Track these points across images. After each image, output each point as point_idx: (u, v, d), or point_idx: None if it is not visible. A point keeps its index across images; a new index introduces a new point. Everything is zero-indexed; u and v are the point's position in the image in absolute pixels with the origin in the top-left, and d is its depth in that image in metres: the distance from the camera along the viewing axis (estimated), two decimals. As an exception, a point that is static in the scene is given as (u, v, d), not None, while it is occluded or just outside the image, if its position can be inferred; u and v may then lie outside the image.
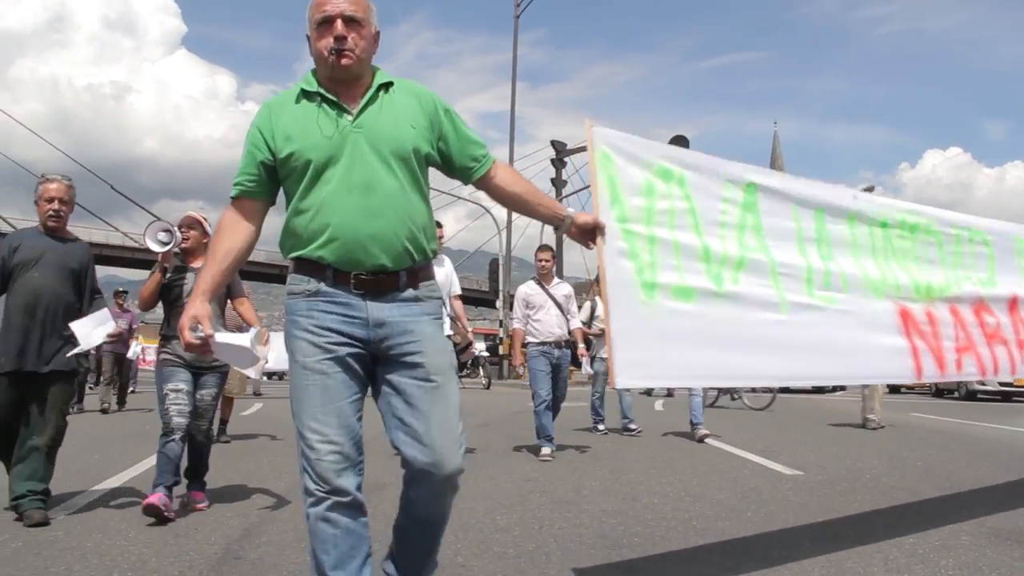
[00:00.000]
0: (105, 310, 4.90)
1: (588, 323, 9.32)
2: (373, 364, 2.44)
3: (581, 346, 8.34)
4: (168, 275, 4.91)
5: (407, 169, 2.43)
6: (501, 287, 32.55)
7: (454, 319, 6.86)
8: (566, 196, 32.48)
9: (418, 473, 2.39)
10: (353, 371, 2.39)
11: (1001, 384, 17.63)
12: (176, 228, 4.87)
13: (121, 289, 14.71)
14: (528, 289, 8.07)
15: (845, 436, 9.64)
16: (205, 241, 5.01)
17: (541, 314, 7.85)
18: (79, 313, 4.79)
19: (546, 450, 7.44)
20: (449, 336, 6.65)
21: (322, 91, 2.42)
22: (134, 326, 14.16)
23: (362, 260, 2.36)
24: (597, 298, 9.11)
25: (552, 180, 37.98)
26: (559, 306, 7.96)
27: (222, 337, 2.47)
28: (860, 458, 7.21)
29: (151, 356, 18.56)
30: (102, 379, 13.70)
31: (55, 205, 4.79)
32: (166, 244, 4.77)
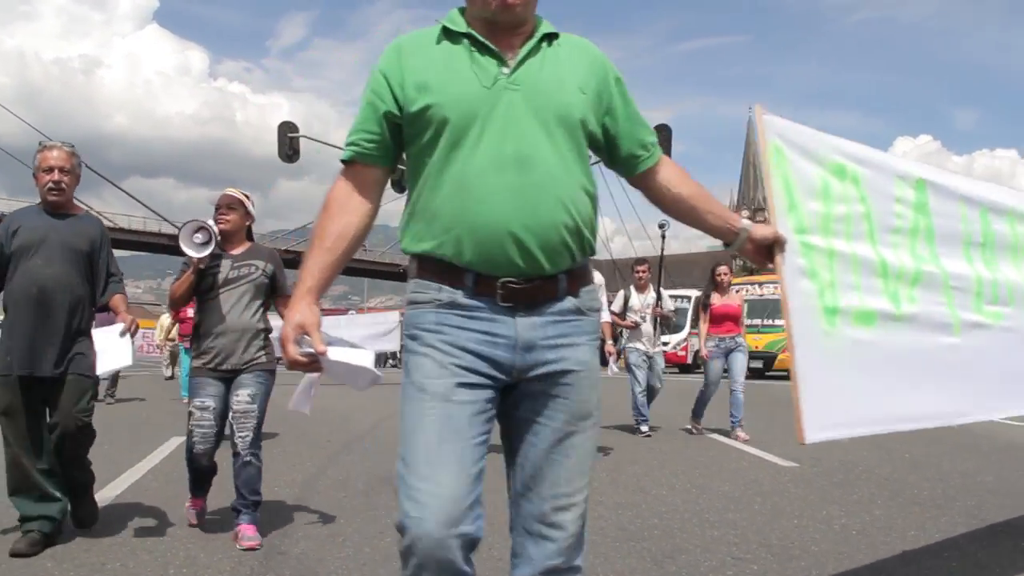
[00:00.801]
0: (121, 327, 4.23)
1: (622, 314, 8.89)
2: (507, 392, 1.88)
3: (609, 342, 8.19)
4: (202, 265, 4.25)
5: (572, 142, 1.87)
6: None
7: None
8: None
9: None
10: (485, 404, 1.82)
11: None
12: (212, 225, 4.25)
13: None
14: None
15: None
16: (248, 223, 4.45)
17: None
18: (91, 304, 4.17)
19: None
20: None
21: (472, 32, 1.87)
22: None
23: (515, 261, 1.79)
24: (632, 288, 9.03)
25: None
26: None
27: (337, 353, 1.85)
28: (851, 450, 7.48)
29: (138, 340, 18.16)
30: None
31: (55, 176, 4.10)
32: (205, 244, 4.15)
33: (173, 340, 17.15)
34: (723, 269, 9.10)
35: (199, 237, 4.18)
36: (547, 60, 1.90)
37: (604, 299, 7.57)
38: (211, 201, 4.48)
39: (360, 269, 68.06)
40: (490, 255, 1.79)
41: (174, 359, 17.83)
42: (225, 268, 4.25)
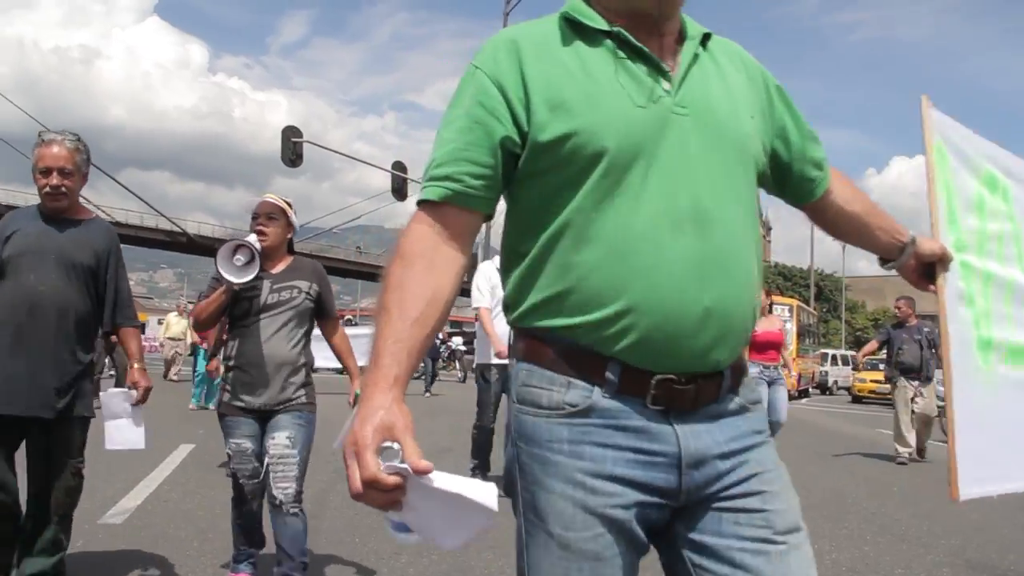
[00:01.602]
0: (133, 394, 3.57)
1: None
2: (669, 517, 1.42)
3: None
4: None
5: (750, 190, 1.47)
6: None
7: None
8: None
9: None
10: (639, 546, 1.40)
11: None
12: (255, 241, 3.62)
13: None
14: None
15: (819, 454, 10.19)
16: (288, 236, 3.80)
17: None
18: (94, 329, 3.54)
19: None
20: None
21: (620, 31, 1.41)
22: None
23: (685, 353, 1.36)
24: None
25: None
26: None
27: (444, 479, 1.18)
28: (839, 480, 7.72)
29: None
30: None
31: (53, 180, 3.36)
32: (247, 265, 3.54)
33: (179, 340, 17.13)
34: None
35: (240, 258, 3.55)
36: (710, 73, 1.46)
37: None
38: (246, 209, 3.78)
39: (354, 271, 68.26)
40: (655, 344, 1.34)
41: (174, 359, 17.91)
42: (263, 292, 3.61)
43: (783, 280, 75.98)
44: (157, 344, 22.50)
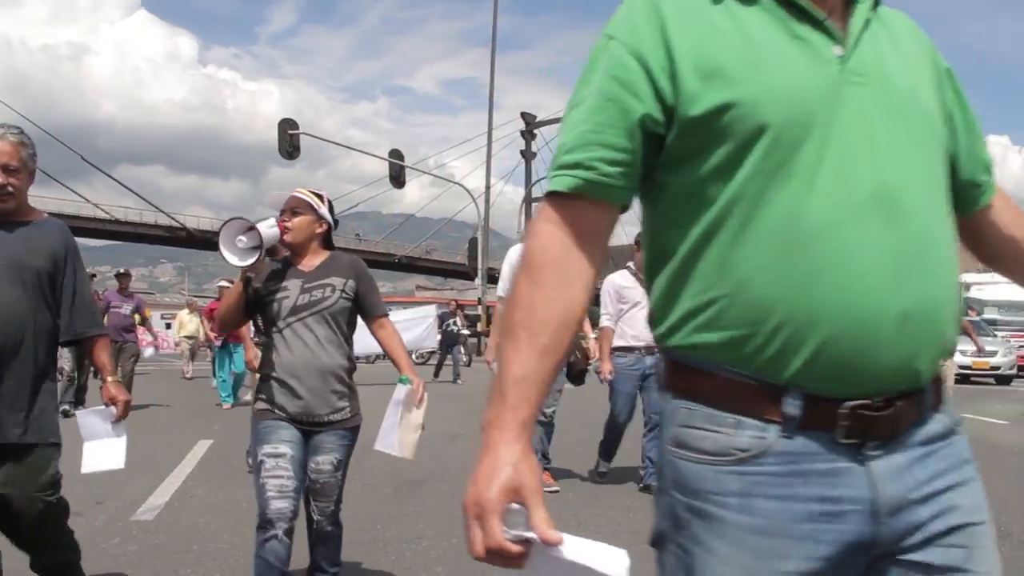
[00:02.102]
0: (112, 411, 3.22)
1: None
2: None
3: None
4: (258, 285, 3.38)
5: (941, 169, 1.24)
6: (480, 264, 33.07)
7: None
8: (537, 180, 32.96)
9: None
10: None
11: (961, 367, 16.95)
12: (267, 227, 3.30)
13: (121, 271, 12.57)
14: (623, 280, 6.42)
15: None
16: (319, 231, 3.46)
17: (634, 311, 6.32)
18: (55, 340, 3.13)
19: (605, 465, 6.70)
20: None
21: None
22: (141, 312, 12.07)
23: (882, 370, 1.12)
24: None
25: (521, 152, 38.42)
26: None
27: (573, 547, 1.06)
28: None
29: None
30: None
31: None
32: (253, 251, 3.23)
33: (193, 338, 17.27)
34: None
35: (244, 240, 3.24)
36: (883, 40, 1.23)
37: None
38: (274, 205, 3.49)
39: (355, 259, 68.42)
40: (843, 360, 1.10)
41: (192, 356, 18.09)
42: (293, 291, 3.30)
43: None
44: (172, 342, 22.56)
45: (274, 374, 3.27)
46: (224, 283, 11.13)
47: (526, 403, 1.14)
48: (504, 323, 1.20)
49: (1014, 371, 19.28)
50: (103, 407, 3.25)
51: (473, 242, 33.20)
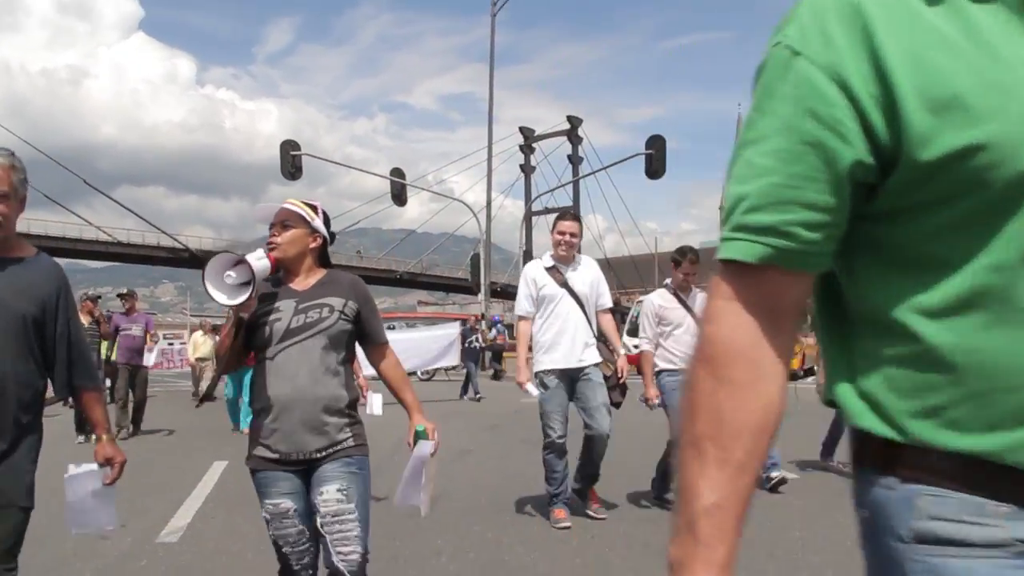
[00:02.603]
0: (103, 473, 2.88)
1: None
2: None
3: (652, 390, 6.12)
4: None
5: None
6: (483, 279, 33.16)
7: (602, 341, 5.86)
8: (538, 196, 33.05)
9: None
10: None
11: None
12: (258, 260, 2.89)
13: (124, 291, 12.10)
14: (662, 300, 6.12)
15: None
16: (313, 245, 3.08)
17: (679, 332, 5.98)
18: (39, 399, 2.73)
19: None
20: (596, 366, 5.59)
21: None
22: (150, 331, 11.66)
23: None
24: None
25: (521, 166, 38.50)
26: (698, 322, 5.64)
27: None
28: (843, 455, 8.05)
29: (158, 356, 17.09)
30: (116, 398, 10.95)
31: None
32: (243, 287, 2.82)
33: (206, 359, 16.18)
34: None
35: (232, 275, 2.83)
36: None
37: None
38: (263, 219, 3.10)
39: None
40: None
41: (201, 378, 17.47)
42: (286, 313, 2.90)
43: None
44: (181, 360, 22.09)
45: (266, 407, 2.87)
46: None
47: (722, 539, 0.94)
48: (684, 429, 0.99)
49: None
50: (94, 467, 2.88)
51: (475, 257, 33.29)
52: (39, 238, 55.07)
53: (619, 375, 5.81)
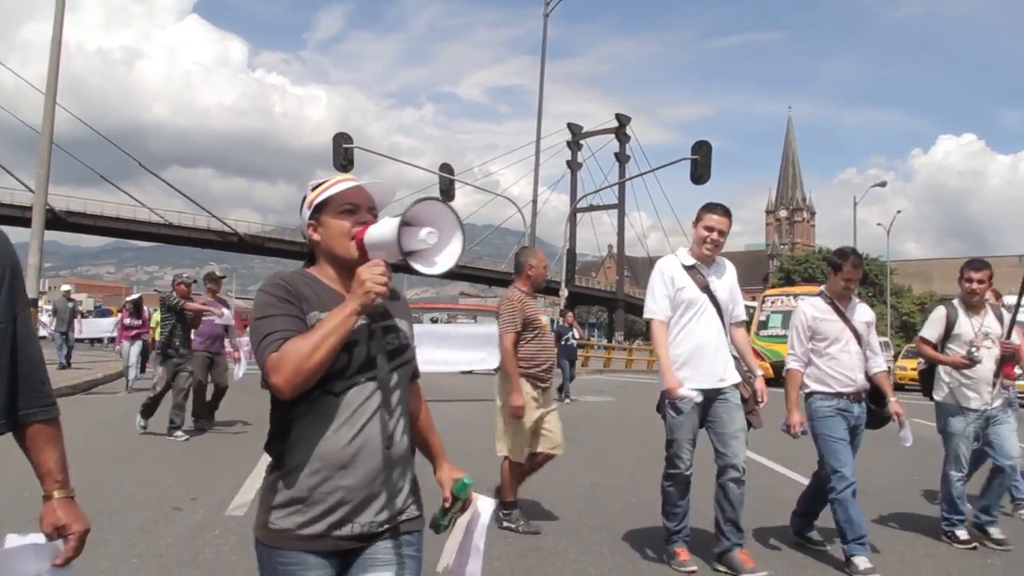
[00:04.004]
0: (52, 547, 1.80)
1: (939, 345, 5.74)
2: None
3: (893, 399, 5.13)
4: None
5: None
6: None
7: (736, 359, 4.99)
8: (586, 195, 33.28)
9: None
10: None
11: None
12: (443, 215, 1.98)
13: (217, 273, 11.30)
14: (815, 311, 5.22)
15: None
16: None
17: (836, 349, 5.11)
18: None
19: (862, 560, 4.75)
20: (736, 386, 4.80)
21: None
22: (231, 323, 10.60)
23: None
24: (958, 304, 5.73)
25: (568, 162, 38.71)
26: (859, 339, 5.16)
27: None
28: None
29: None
30: (189, 385, 9.76)
31: None
32: (425, 255, 1.98)
33: None
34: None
35: (424, 236, 1.94)
36: None
37: (876, 341, 5.30)
38: (376, 195, 2.13)
39: (396, 265, 69.38)
40: None
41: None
42: (361, 333, 2.04)
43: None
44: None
45: (306, 461, 1.98)
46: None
47: None
48: None
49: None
50: (40, 539, 1.85)
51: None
52: (95, 217, 56.78)
53: (758, 398, 4.91)
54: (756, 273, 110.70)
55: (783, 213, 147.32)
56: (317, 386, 1.98)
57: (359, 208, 2.11)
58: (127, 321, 16.02)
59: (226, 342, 10.62)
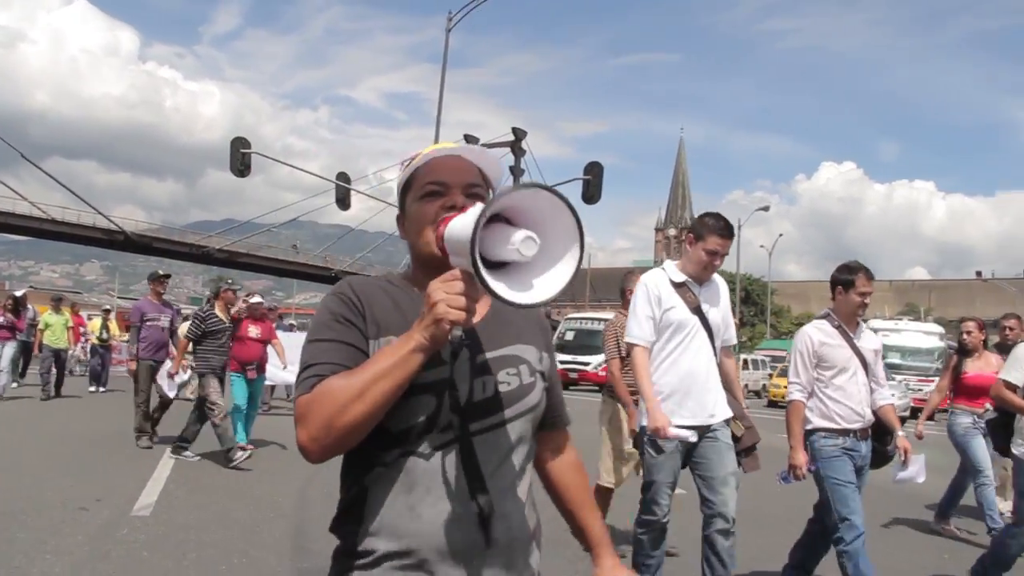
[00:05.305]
0: None
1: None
2: None
3: (901, 434, 4.57)
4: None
5: None
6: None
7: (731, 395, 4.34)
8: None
9: None
10: None
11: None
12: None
13: (161, 272, 10.13)
14: (822, 335, 4.56)
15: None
16: None
17: (843, 380, 4.47)
18: None
19: None
20: (726, 423, 4.16)
21: None
22: (174, 325, 10.01)
23: None
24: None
25: (511, 168, 39.19)
26: (866, 368, 4.54)
27: None
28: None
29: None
30: (136, 400, 9.39)
31: None
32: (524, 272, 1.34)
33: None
34: (971, 326, 7.03)
35: (522, 245, 1.30)
36: None
37: (882, 371, 4.72)
38: (455, 182, 1.54)
39: (291, 271, 68.84)
40: None
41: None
42: (460, 374, 1.49)
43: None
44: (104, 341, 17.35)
45: (395, 549, 1.45)
46: (257, 298, 9.42)
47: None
48: None
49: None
50: None
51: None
52: (-32, 209, 53.91)
53: (755, 438, 4.37)
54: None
55: (672, 231, 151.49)
56: (396, 443, 1.45)
57: (449, 188, 1.50)
58: (1, 319, 13.93)
59: (166, 375, 9.42)
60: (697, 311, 4.19)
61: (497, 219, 1.32)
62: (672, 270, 4.29)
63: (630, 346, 4.29)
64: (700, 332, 4.17)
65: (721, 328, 4.28)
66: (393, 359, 1.35)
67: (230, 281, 9.65)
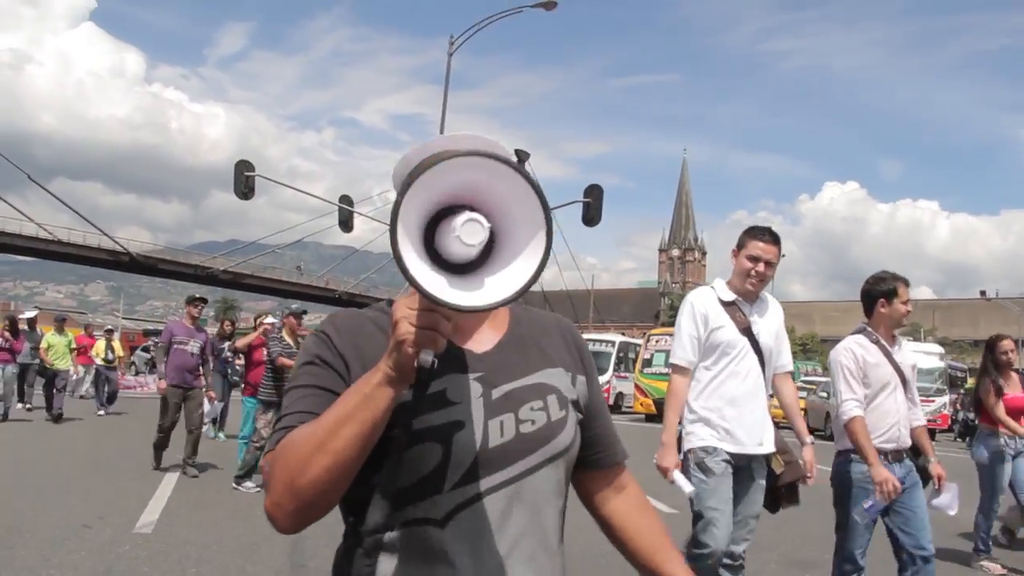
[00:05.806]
0: None
1: None
2: None
3: (934, 460, 4.35)
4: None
5: None
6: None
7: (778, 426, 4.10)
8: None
9: None
10: None
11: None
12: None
13: (197, 296, 9.85)
14: (865, 351, 4.23)
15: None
16: None
17: (883, 398, 4.20)
18: None
19: None
20: (767, 458, 3.93)
21: None
22: (206, 353, 9.50)
23: None
24: None
25: None
26: (905, 385, 4.28)
27: None
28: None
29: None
30: (160, 427, 9.06)
31: None
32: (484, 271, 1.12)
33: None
34: (1008, 345, 6.71)
35: (463, 231, 1.06)
36: None
37: (915, 388, 4.41)
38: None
39: (294, 292, 69.13)
40: None
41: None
42: (476, 413, 1.23)
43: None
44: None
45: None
46: (270, 319, 9.64)
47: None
48: None
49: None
50: None
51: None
52: (-27, 231, 54.42)
53: (807, 473, 4.02)
54: (648, 310, 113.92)
55: (676, 252, 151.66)
56: (400, 505, 1.22)
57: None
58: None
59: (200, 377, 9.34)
60: (747, 332, 3.92)
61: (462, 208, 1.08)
62: (721, 288, 4.03)
63: (671, 367, 4.02)
64: (749, 354, 3.90)
65: (774, 352, 4.01)
66: (356, 398, 1.09)
67: (295, 306, 9.16)
